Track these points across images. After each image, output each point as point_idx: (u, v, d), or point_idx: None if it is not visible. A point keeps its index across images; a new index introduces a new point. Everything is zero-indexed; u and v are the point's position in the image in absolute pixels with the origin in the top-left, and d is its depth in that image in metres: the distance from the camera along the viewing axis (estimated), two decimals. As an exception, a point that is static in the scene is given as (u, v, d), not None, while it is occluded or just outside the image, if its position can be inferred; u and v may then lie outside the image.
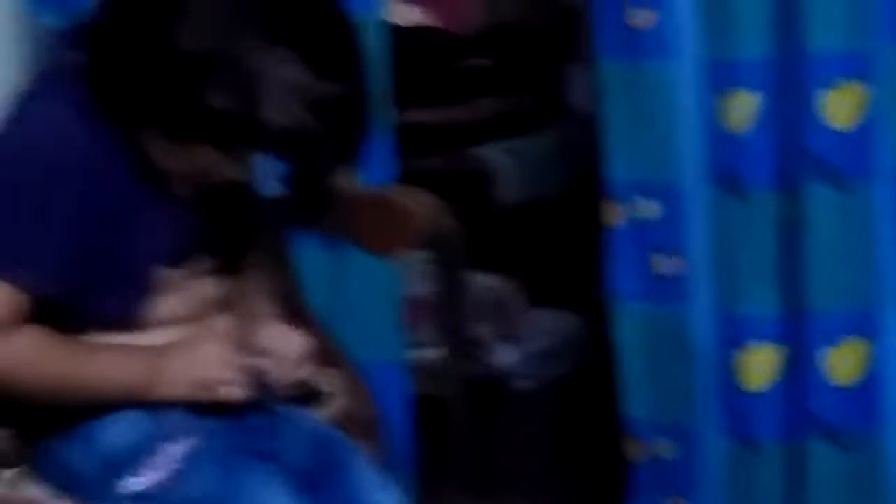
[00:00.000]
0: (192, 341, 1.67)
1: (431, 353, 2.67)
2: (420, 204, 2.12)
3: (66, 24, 2.06)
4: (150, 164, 1.61)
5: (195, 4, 1.54)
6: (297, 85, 1.51)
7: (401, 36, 2.62)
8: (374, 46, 2.28)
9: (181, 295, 1.69)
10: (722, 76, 2.33)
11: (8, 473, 1.71)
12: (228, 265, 1.75)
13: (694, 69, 2.35)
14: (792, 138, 2.36)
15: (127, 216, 1.65)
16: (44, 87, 1.68)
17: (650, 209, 2.38)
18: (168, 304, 1.67)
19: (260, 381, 1.67)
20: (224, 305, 1.73)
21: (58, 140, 1.59)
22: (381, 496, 1.74)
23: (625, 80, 2.37)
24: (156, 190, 1.64)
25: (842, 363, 2.36)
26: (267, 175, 1.59)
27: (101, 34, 1.60)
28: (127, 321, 1.66)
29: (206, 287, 1.71)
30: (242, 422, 1.69)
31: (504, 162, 3.36)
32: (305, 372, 1.76)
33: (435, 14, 3.40)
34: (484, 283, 3.18)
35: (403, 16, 3.14)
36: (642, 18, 2.31)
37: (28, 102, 1.66)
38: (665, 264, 2.38)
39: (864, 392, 2.39)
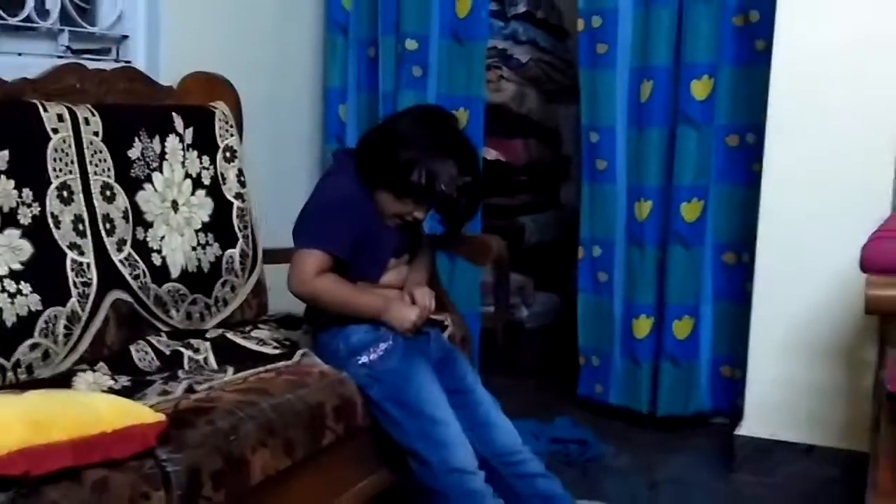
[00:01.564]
0: (400, 299, 2.21)
1: (490, 309, 3.22)
2: (493, 241, 2.67)
3: (336, 147, 3.10)
4: (379, 209, 2.19)
5: (411, 139, 2.16)
6: (452, 175, 2.15)
7: (487, 163, 3.57)
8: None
9: (394, 272, 2.29)
10: (636, 192, 3.18)
11: (299, 353, 2.23)
12: (410, 259, 2.33)
13: (623, 189, 3.22)
14: (666, 223, 3.14)
15: (374, 230, 2.19)
16: (337, 168, 2.28)
17: (598, 251, 3.31)
18: (389, 275, 2.27)
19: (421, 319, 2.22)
20: (408, 279, 2.29)
21: (348, 190, 2.17)
22: (471, 376, 2.30)
23: (593, 193, 3.30)
24: (383, 221, 2.20)
25: (680, 328, 3.21)
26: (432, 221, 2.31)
27: (367, 146, 2.22)
28: (373, 280, 2.22)
29: (403, 269, 2.30)
30: (416, 338, 2.23)
31: (529, 224, 4.17)
32: (439, 314, 2.36)
33: (502, 154, 4.07)
34: (516, 277, 3.93)
35: (490, 154, 3.89)
36: (601, 164, 3.25)
37: (334, 173, 2.26)
38: (603, 277, 3.33)
39: (690, 342, 3.19)
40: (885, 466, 1.97)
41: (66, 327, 2.07)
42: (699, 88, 3.05)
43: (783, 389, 2.85)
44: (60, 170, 2.17)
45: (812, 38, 2.74)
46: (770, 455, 2.86)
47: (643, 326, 3.23)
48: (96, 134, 2.28)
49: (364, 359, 2.14)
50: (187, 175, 2.49)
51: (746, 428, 2.91)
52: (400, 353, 2.15)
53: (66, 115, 2.21)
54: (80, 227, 2.18)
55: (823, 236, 2.74)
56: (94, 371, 2.03)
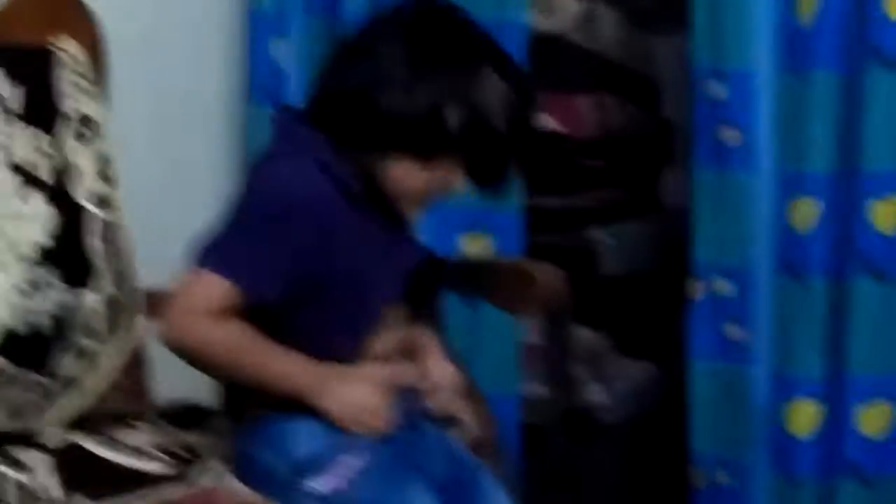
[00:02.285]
0: (360, 373, 1.75)
1: (539, 389, 2.69)
2: (543, 273, 2.19)
3: (273, 111, 2.37)
4: (380, 197, 1.76)
5: (422, 58, 1.76)
6: (505, 93, 1.75)
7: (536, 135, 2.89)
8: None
9: (387, 333, 1.80)
10: (792, 185, 2.52)
11: (218, 466, 1.80)
12: (413, 314, 1.89)
13: (769, 179, 2.51)
14: (846, 238, 2.54)
15: (359, 251, 1.77)
16: (290, 149, 1.81)
17: (726, 287, 2.54)
18: (383, 340, 1.79)
19: (418, 404, 1.79)
20: (401, 347, 1.84)
21: (305, 188, 1.72)
22: None
23: (714, 185, 2.53)
24: (377, 224, 1.78)
25: (871, 418, 2.51)
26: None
27: (341, 96, 1.79)
28: (350, 344, 1.76)
29: (399, 330, 1.83)
30: (400, 439, 1.77)
31: (607, 240, 3.50)
32: (454, 400, 1.90)
33: (560, 121, 3.48)
34: (584, 335, 3.27)
35: (539, 121, 3.24)
36: (731, 136, 2.48)
37: (277, 159, 1.82)
38: (734, 332, 2.55)
39: (890, 443, 2.52)
40: None
41: None
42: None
43: None
44: None
45: None
46: None
47: (806, 416, 2.53)
48: None
49: (318, 483, 1.72)
50: (12, 167, 2.04)
51: None
52: (383, 472, 1.73)
53: None
54: None
55: None
56: None
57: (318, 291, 1.72)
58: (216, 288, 1.66)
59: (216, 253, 1.69)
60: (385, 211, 1.78)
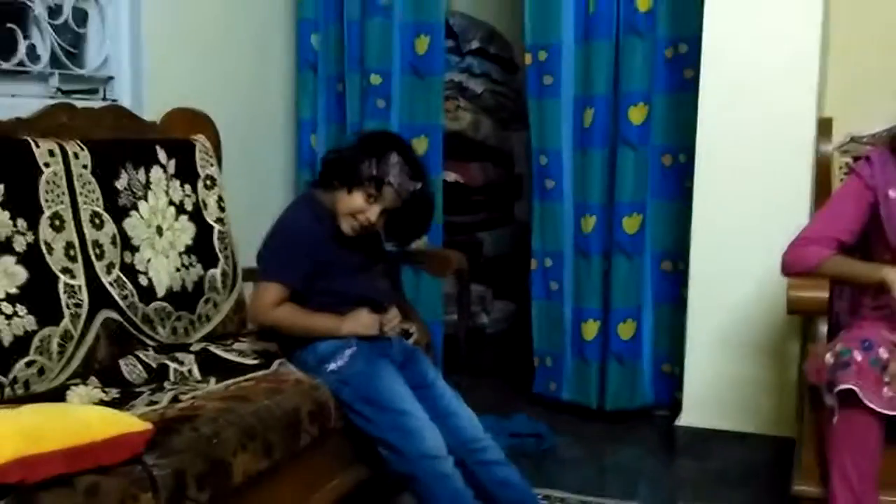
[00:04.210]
0: (356, 313, 2.22)
1: (452, 317, 3.25)
2: (454, 255, 2.75)
3: (308, 173, 3.08)
4: (336, 211, 2.15)
5: (362, 144, 2.19)
6: (399, 170, 2.18)
7: (447, 184, 3.55)
8: (436, 188, 3.02)
9: (371, 284, 2.26)
10: (581, 210, 3.15)
11: (284, 361, 2.23)
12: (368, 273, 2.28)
13: (570, 207, 3.18)
14: (610, 234, 3.09)
15: (333, 250, 2.22)
16: (298, 202, 2.34)
17: (549, 262, 3.29)
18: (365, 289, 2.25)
19: (386, 327, 2.25)
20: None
21: (306, 222, 2.22)
22: (432, 372, 2.29)
23: (541, 209, 3.29)
24: (339, 242, 2.20)
25: (624, 329, 3.17)
26: (389, 242, 2.36)
27: (324, 159, 2.26)
28: (349, 293, 2.22)
29: (380, 282, 2.31)
30: (374, 342, 2.23)
31: (487, 239, 4.16)
32: (404, 323, 2.36)
33: (461, 176, 4.03)
34: (476, 288, 3.90)
35: (449, 176, 3.82)
36: (550, 184, 3.25)
37: (293, 207, 2.31)
38: (554, 285, 3.32)
39: (633, 341, 3.16)
40: (808, 449, 2.01)
41: (59, 345, 2.06)
42: (636, 114, 3.09)
43: (718, 383, 2.88)
44: (52, 200, 2.16)
45: (733, 66, 2.80)
46: (708, 443, 2.88)
47: (591, 329, 3.24)
48: (85, 167, 2.27)
49: (332, 366, 2.14)
50: (171, 202, 2.49)
51: (685, 419, 2.94)
52: (364, 356, 2.16)
53: (57, 151, 2.21)
54: (72, 252, 2.17)
55: (750, 245, 2.77)
56: (86, 385, 2.02)
57: (319, 281, 2.19)
58: (272, 289, 2.17)
59: (266, 268, 2.20)
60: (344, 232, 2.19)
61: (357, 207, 2.17)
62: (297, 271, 2.16)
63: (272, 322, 2.18)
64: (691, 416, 2.92)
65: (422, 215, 2.27)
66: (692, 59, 2.94)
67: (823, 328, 2.11)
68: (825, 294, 2.05)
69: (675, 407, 3.04)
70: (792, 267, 2.09)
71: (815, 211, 2.51)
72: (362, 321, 2.20)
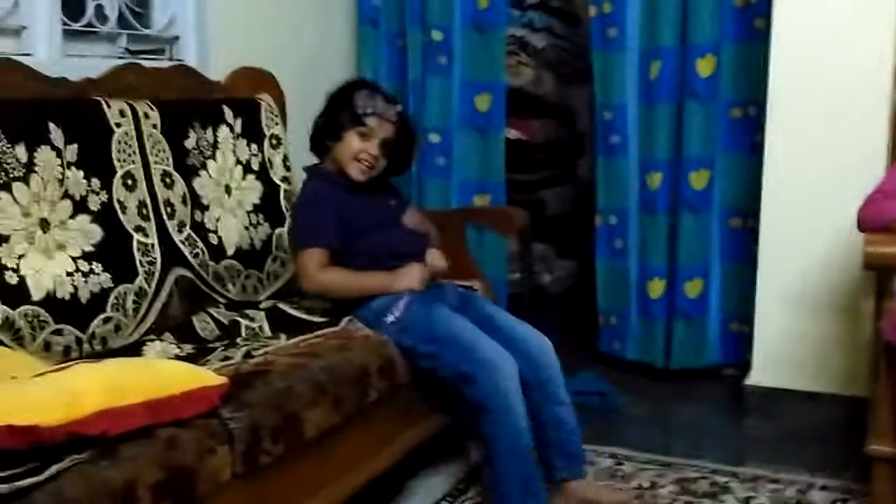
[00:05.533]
0: (405, 268, 2.25)
1: (516, 275, 3.34)
2: (517, 213, 2.87)
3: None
4: (341, 163, 2.21)
5: (330, 99, 2.25)
6: (368, 96, 2.26)
7: (509, 142, 3.50)
8: (499, 147, 3.29)
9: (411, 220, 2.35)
10: (647, 165, 3.13)
11: (345, 320, 2.24)
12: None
13: (635, 162, 3.17)
14: (677, 189, 3.09)
15: (353, 207, 2.26)
16: (308, 179, 2.37)
17: (613, 220, 3.30)
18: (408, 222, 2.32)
19: (435, 279, 2.29)
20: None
21: (323, 189, 2.29)
22: (490, 306, 2.33)
23: (606, 165, 3.29)
24: (359, 202, 2.24)
25: (692, 287, 3.16)
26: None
27: (311, 132, 2.30)
28: (386, 240, 2.26)
29: (416, 216, 2.39)
30: (429, 290, 2.27)
31: (549, 197, 4.07)
32: (467, 280, 2.40)
33: (523, 133, 3.92)
34: (538, 247, 3.82)
35: (511, 133, 3.71)
36: (614, 140, 3.23)
37: (306, 183, 2.36)
38: (618, 243, 3.31)
39: (700, 299, 3.15)
40: (883, 410, 1.97)
41: (134, 302, 2.12)
42: (704, 66, 3.05)
43: (788, 342, 2.86)
44: (124, 160, 2.21)
45: (807, 14, 2.75)
46: (777, 402, 2.87)
47: (657, 287, 3.24)
48: (155, 127, 2.32)
49: (390, 317, 2.17)
50: (238, 161, 2.54)
51: (754, 378, 2.93)
52: (419, 302, 2.19)
53: (128, 111, 2.26)
54: (144, 211, 2.23)
55: (823, 199, 2.73)
56: (161, 341, 2.07)
57: (349, 244, 2.23)
58: (314, 254, 2.20)
59: (299, 238, 2.25)
60: (357, 184, 2.26)
61: (356, 148, 2.22)
62: (330, 231, 2.20)
63: (324, 286, 2.21)
64: (761, 375, 2.91)
65: (412, 138, 2.34)
66: (762, 7, 2.91)
67: (901, 284, 2.03)
68: (903, 249, 1.95)
69: (744, 366, 3.02)
70: (868, 223, 2.06)
71: (891, 165, 2.46)
72: (414, 275, 2.23)
